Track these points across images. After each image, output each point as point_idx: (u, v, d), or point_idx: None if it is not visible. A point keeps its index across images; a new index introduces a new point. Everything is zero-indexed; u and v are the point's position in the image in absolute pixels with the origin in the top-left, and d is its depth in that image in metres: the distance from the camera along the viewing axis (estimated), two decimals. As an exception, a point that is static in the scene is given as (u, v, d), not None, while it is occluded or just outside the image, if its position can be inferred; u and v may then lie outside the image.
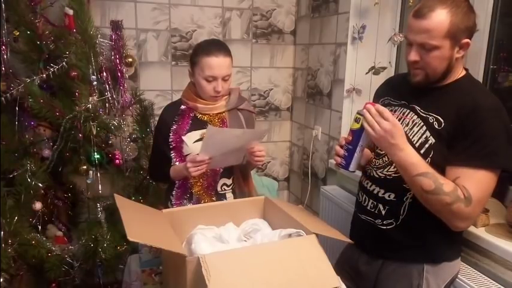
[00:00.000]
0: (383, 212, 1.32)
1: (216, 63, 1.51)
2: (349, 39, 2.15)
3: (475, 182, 1.14)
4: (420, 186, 1.15)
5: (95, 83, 2.06)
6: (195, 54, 1.57)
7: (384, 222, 1.32)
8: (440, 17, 1.13)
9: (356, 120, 1.22)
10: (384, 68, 2.07)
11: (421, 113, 1.25)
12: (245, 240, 1.31)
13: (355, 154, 1.24)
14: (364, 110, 1.18)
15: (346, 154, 1.25)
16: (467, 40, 1.17)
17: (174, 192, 1.66)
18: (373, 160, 1.38)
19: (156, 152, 1.72)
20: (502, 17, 1.62)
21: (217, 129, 1.56)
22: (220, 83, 1.54)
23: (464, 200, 1.13)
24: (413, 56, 1.19)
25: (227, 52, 1.56)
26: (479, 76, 1.65)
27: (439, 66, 1.19)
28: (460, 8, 1.14)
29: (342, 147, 1.28)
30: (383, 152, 1.31)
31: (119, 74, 2.23)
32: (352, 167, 1.26)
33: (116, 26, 2.23)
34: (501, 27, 1.63)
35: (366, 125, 1.18)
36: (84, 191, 2.27)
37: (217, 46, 1.56)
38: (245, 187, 1.73)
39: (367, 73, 2.08)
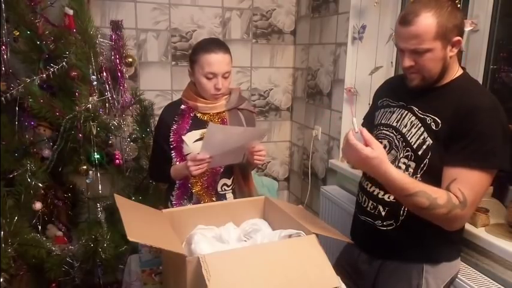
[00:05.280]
0: (383, 213, 1.32)
1: (215, 60, 1.52)
2: (349, 39, 2.15)
3: (471, 183, 1.14)
4: (413, 205, 1.17)
5: (95, 83, 2.06)
6: (194, 52, 1.57)
7: (384, 223, 1.32)
8: (427, 21, 1.14)
9: None
10: (379, 68, 2.06)
11: (418, 114, 1.26)
12: (245, 240, 1.31)
13: None
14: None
15: None
16: (458, 38, 1.18)
17: (174, 192, 1.66)
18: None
19: (156, 152, 1.72)
20: (502, 17, 1.62)
21: (218, 126, 1.57)
22: (221, 80, 1.54)
23: (459, 205, 1.14)
24: (407, 62, 1.21)
25: (226, 49, 1.56)
26: (479, 76, 1.64)
27: (434, 68, 1.20)
28: (444, 8, 1.15)
29: None
30: None
31: (119, 74, 2.23)
32: None
33: (116, 26, 2.24)
34: (501, 27, 1.63)
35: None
36: (84, 191, 2.28)
37: (216, 43, 1.56)
38: (245, 187, 1.73)
39: (369, 74, 2.08)
